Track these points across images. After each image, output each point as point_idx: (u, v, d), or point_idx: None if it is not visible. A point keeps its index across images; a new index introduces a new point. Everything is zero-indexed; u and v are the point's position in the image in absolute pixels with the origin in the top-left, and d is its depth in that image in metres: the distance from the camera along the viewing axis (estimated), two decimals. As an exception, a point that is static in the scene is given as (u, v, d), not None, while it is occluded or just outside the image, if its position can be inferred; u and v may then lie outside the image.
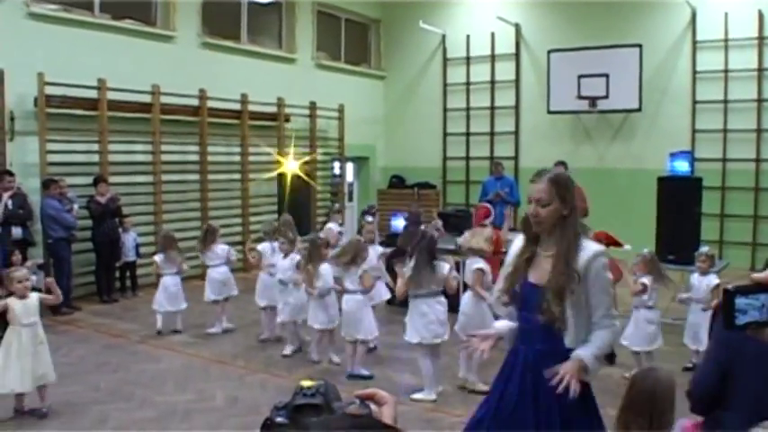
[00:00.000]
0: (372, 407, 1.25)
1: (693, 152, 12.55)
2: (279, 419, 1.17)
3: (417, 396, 6.45)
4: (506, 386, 3.40)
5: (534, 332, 3.33)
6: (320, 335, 7.47)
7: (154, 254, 9.41)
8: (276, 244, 8.29)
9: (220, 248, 9.00)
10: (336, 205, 11.24)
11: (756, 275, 1.25)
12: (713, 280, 7.10)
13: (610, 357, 6.55)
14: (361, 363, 7.11)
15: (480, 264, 6.68)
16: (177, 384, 6.90)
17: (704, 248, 7.42)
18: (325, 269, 7.34)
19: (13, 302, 5.94)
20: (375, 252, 8.27)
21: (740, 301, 1.25)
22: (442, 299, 6.52)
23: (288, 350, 7.90)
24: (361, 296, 6.97)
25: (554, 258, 3.26)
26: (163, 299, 8.85)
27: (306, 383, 1.21)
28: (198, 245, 9.23)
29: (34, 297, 6.09)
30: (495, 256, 8.47)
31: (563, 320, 3.22)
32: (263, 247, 8.68)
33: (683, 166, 9.40)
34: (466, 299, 6.71)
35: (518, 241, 3.52)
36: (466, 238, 7.14)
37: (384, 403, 1.26)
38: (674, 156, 9.70)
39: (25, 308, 5.96)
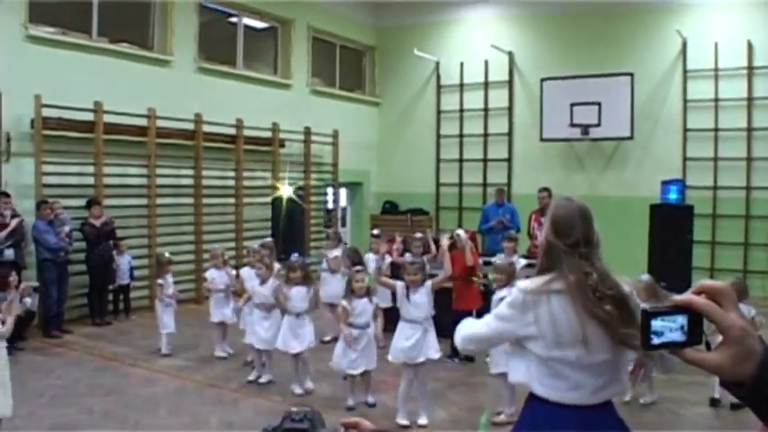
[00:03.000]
0: None
1: (685, 180, 12.66)
2: None
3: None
4: None
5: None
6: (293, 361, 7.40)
7: (152, 277, 9.42)
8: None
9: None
10: (331, 231, 11.23)
11: (676, 297, 1.30)
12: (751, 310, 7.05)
13: None
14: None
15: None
16: (171, 408, 6.88)
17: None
18: (295, 292, 7.30)
19: None
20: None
21: (656, 323, 1.31)
22: None
23: (264, 379, 7.79)
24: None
25: None
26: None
27: (294, 409, 1.28)
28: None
29: None
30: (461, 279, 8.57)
31: None
32: (245, 271, 8.65)
33: (674, 194, 9.47)
34: None
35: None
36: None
37: None
38: (665, 183, 9.78)
39: None
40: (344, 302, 6.81)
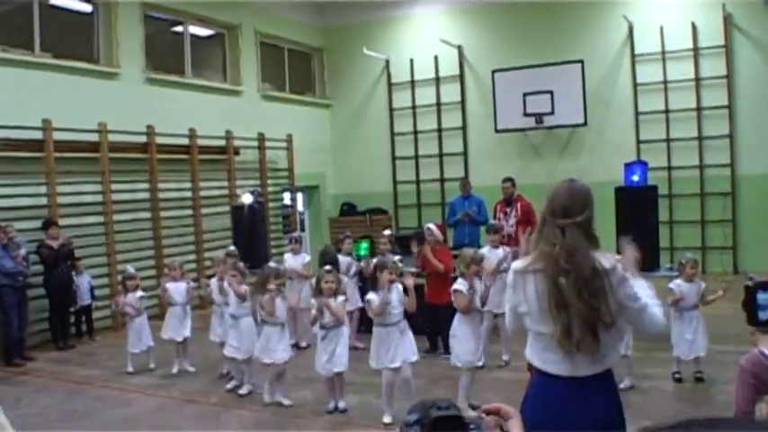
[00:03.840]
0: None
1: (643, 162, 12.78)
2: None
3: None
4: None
5: None
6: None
7: (113, 295, 9.19)
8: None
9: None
10: (296, 235, 11.07)
11: None
12: (702, 284, 7.16)
13: None
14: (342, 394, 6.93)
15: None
16: (152, 427, 6.67)
17: (689, 254, 7.45)
18: (280, 302, 7.18)
19: None
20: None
21: (762, 297, 1.23)
22: None
23: (244, 390, 7.61)
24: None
25: None
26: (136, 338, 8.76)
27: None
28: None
29: None
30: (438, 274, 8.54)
31: None
32: (213, 283, 8.47)
33: (638, 176, 9.56)
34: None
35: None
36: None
37: (509, 418, 1.23)
38: (628, 166, 9.85)
39: None
40: (314, 302, 6.71)
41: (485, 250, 8.27)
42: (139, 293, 8.97)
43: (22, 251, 9.54)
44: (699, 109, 13.65)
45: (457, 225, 11.65)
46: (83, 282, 10.51)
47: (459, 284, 6.57)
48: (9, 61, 10.37)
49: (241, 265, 7.94)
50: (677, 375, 7.16)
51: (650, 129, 13.98)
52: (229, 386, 7.68)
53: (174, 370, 8.61)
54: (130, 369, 8.71)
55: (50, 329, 10.29)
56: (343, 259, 9.31)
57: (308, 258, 9.96)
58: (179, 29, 13.76)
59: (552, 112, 14.15)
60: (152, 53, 12.70)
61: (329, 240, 15.09)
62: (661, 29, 13.73)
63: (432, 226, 8.76)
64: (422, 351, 7.37)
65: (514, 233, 10.49)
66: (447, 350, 8.55)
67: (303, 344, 9.17)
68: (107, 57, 11.98)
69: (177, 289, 8.76)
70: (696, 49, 13.64)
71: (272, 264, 7.68)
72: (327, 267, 7.16)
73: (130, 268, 9.39)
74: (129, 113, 11.66)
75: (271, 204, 14.64)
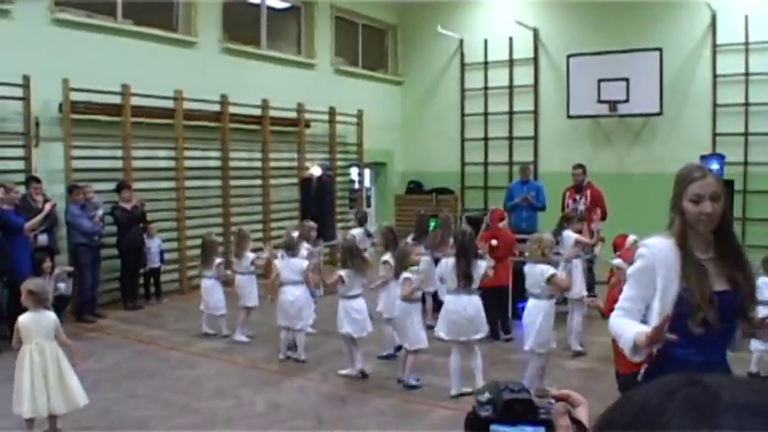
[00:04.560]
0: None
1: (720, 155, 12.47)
2: (485, 414, 1.18)
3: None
4: None
5: (708, 341, 3.12)
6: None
7: (182, 260, 9.34)
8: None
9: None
10: (361, 210, 11.15)
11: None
12: None
13: None
14: (411, 371, 6.94)
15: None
16: (215, 390, 6.84)
17: None
18: (348, 274, 7.28)
19: (23, 318, 5.51)
20: None
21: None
22: None
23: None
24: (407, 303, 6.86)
25: (733, 259, 3.09)
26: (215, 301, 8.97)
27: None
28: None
29: (50, 315, 5.60)
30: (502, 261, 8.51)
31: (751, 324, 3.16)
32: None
33: (713, 169, 9.32)
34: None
35: (664, 249, 3.16)
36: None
37: (578, 405, 1.24)
38: (704, 159, 9.64)
39: (36, 324, 5.49)
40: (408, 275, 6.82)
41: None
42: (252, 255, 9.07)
43: (100, 212, 9.83)
44: (781, 103, 13.24)
45: (514, 209, 11.56)
46: (153, 245, 10.77)
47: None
48: (93, 26, 10.63)
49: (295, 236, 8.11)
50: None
51: (728, 122, 13.59)
52: (290, 354, 7.81)
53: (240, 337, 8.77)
54: (210, 330, 8.92)
55: (121, 289, 10.59)
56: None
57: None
58: (256, 0, 13.88)
59: (627, 100, 13.88)
60: (229, 24, 12.85)
61: (394, 217, 15.17)
62: (746, 18, 13.30)
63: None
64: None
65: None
66: (506, 332, 8.58)
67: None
68: (186, 25, 12.18)
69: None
70: (782, 41, 13.21)
71: (349, 235, 7.80)
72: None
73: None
74: (204, 82, 11.84)
75: (338, 179, 14.73)
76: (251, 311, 8.88)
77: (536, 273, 6.55)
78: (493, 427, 1.17)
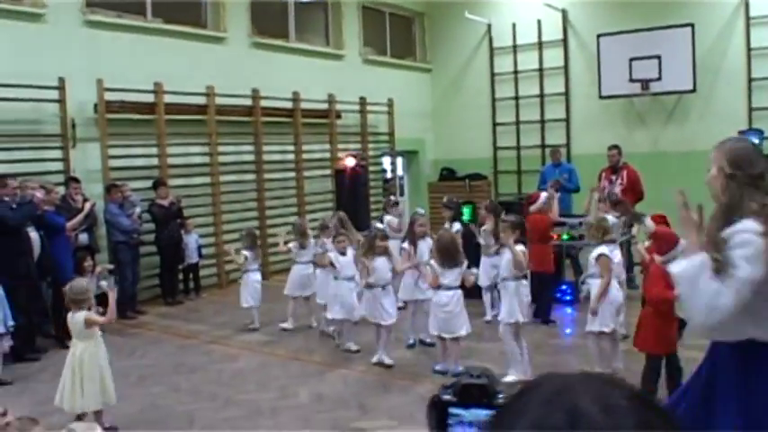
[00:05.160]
0: None
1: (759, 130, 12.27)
2: (446, 397, 1.30)
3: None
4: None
5: None
6: (379, 330, 7.35)
7: (220, 255, 9.43)
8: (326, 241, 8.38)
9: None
10: (392, 198, 11.14)
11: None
12: None
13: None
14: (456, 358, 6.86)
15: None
16: (258, 383, 6.91)
17: None
18: (381, 263, 7.31)
19: (71, 315, 5.66)
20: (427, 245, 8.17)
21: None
22: None
23: (354, 347, 7.79)
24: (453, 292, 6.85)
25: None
26: (248, 294, 9.01)
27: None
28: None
29: (79, 316, 5.63)
30: (541, 242, 8.49)
31: None
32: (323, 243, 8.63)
33: (755, 138, 9.21)
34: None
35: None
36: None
37: None
38: (742, 134, 9.51)
39: (72, 324, 5.65)
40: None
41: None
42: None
43: (137, 209, 9.96)
44: (819, 74, 13.01)
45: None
46: (191, 240, 10.88)
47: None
48: (123, 26, 10.75)
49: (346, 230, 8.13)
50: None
51: (765, 96, 13.37)
52: (354, 347, 7.81)
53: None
54: (256, 325, 8.99)
55: (160, 285, 10.73)
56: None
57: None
58: (284, -6, 13.94)
59: (659, 78, 13.72)
60: (257, 18, 12.91)
61: (428, 205, 15.16)
62: (780, -11, 13.09)
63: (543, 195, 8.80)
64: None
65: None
66: (546, 317, 8.55)
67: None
68: (214, 21, 12.26)
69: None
70: (818, 9, 12.96)
71: (377, 225, 7.81)
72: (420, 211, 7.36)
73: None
74: (235, 77, 11.92)
75: (371, 168, 14.75)
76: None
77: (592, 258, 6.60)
78: (450, 409, 1.28)
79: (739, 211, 3.00)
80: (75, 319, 5.62)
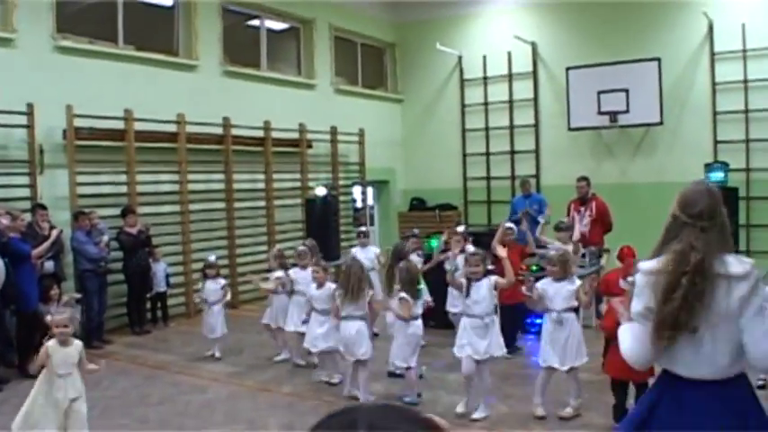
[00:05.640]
0: None
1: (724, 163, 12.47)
2: None
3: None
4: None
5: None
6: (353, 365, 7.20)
7: (189, 284, 9.34)
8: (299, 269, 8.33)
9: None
10: (363, 229, 11.11)
11: None
12: None
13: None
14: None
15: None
16: (227, 414, 6.81)
17: None
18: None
19: (53, 349, 5.37)
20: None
21: None
22: None
23: (336, 379, 7.69)
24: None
25: None
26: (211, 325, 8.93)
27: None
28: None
29: (77, 346, 5.50)
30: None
31: None
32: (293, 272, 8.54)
33: (718, 177, 9.34)
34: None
35: None
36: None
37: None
38: (708, 166, 9.65)
39: (64, 356, 5.39)
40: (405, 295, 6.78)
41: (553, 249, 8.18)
42: (222, 281, 9.13)
43: (106, 237, 9.84)
44: (781, 109, 13.28)
45: (517, 224, 11.56)
46: (159, 269, 10.77)
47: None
48: (94, 53, 10.69)
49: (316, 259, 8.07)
50: (760, 382, 6.91)
51: (729, 129, 13.62)
52: (324, 378, 7.73)
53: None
54: (217, 354, 8.89)
55: (128, 314, 10.57)
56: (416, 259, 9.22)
57: (377, 251, 10.01)
58: (255, 23, 13.97)
59: (627, 111, 13.92)
60: (229, 46, 12.91)
61: (398, 235, 15.15)
62: (743, 26, 13.35)
63: (511, 225, 8.78)
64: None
65: (588, 232, 10.42)
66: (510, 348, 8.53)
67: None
68: (186, 49, 12.24)
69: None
70: (780, 48, 13.25)
71: (353, 256, 7.77)
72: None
73: (211, 257, 9.51)
74: (206, 105, 11.89)
75: (342, 198, 14.75)
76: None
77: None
78: None
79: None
80: (67, 352, 5.38)
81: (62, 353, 5.40)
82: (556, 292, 6.39)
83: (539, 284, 6.50)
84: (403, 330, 6.87)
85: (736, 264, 3.01)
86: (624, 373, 5.82)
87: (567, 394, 6.48)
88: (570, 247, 8.45)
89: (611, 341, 5.88)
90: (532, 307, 6.53)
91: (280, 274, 8.58)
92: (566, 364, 6.32)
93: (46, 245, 8.79)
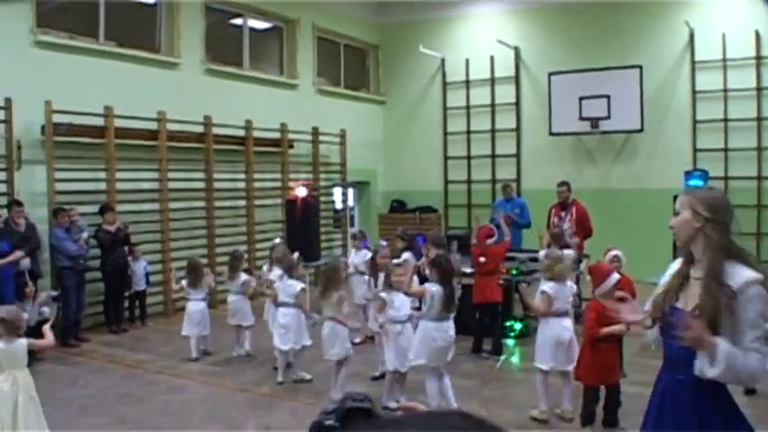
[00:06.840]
0: None
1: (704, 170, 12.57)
2: (328, 422, 1.26)
3: None
4: (648, 415, 3.33)
5: (677, 361, 3.17)
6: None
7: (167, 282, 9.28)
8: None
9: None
10: (357, 230, 11.11)
11: None
12: None
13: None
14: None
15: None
16: (205, 414, 6.76)
17: None
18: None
19: (6, 344, 5.22)
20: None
21: None
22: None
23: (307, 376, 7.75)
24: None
25: (705, 280, 3.05)
26: (187, 324, 8.87)
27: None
28: (227, 272, 9.26)
29: (21, 342, 5.32)
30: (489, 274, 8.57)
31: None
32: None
33: (698, 184, 9.41)
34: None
35: (675, 264, 3.36)
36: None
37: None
38: (688, 174, 9.73)
39: (8, 353, 5.21)
40: (384, 295, 6.77)
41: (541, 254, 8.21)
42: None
43: (85, 235, 9.74)
44: (759, 119, 13.37)
45: (499, 227, 11.59)
46: (139, 267, 10.67)
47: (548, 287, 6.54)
48: (75, 48, 10.58)
49: (295, 258, 8.03)
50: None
51: (708, 137, 13.73)
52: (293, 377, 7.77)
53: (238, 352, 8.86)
54: (194, 355, 8.83)
55: (105, 313, 10.47)
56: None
57: (369, 255, 9.97)
58: (238, 21, 13.90)
59: (608, 117, 13.98)
60: (211, 45, 12.84)
61: (378, 237, 15.12)
62: (723, 36, 13.47)
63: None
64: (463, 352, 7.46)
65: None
66: (498, 352, 8.53)
67: (356, 340, 9.06)
68: (168, 47, 12.15)
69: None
70: (759, 58, 13.35)
71: (340, 258, 7.81)
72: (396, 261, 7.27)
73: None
74: (187, 103, 11.81)
75: (322, 199, 14.70)
76: (246, 330, 8.94)
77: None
78: None
79: (730, 255, 3.07)
80: (14, 346, 5.29)
81: (4, 349, 5.28)
82: (559, 294, 6.47)
83: (545, 288, 6.51)
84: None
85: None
86: (596, 378, 5.87)
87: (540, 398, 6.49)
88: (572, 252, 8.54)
89: (586, 345, 5.92)
90: (543, 313, 6.50)
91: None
92: (567, 366, 6.37)
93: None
